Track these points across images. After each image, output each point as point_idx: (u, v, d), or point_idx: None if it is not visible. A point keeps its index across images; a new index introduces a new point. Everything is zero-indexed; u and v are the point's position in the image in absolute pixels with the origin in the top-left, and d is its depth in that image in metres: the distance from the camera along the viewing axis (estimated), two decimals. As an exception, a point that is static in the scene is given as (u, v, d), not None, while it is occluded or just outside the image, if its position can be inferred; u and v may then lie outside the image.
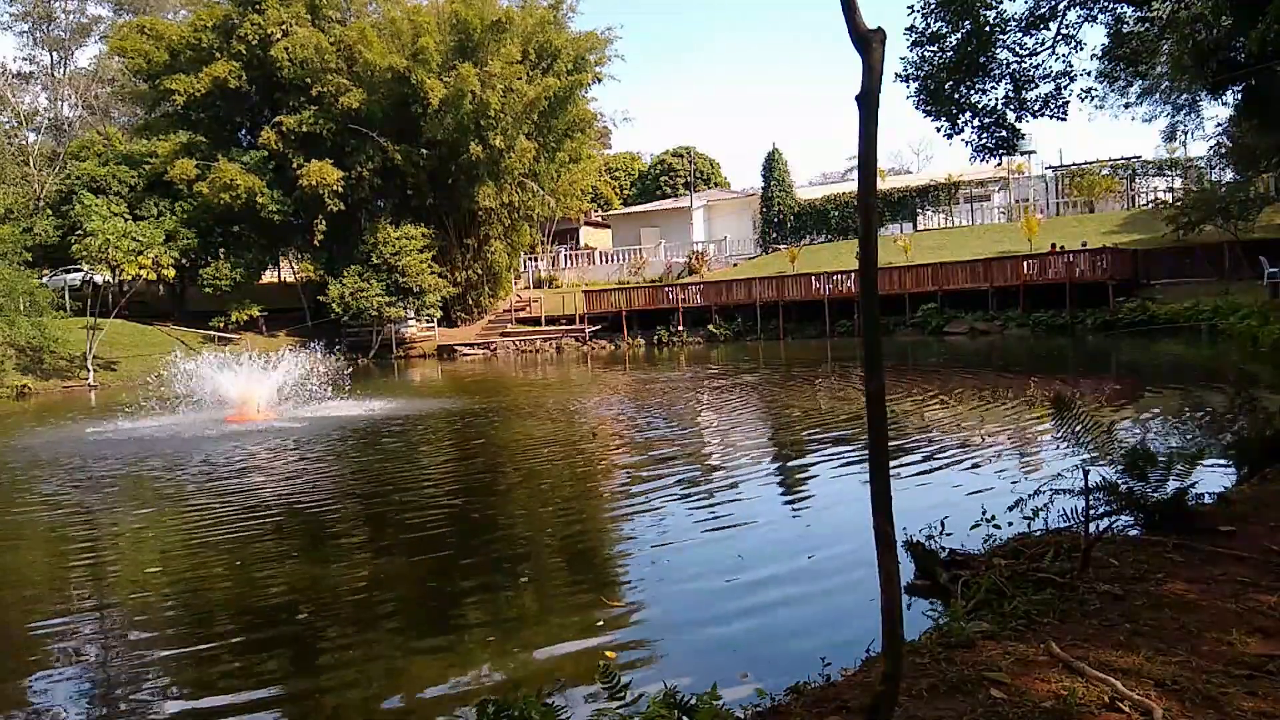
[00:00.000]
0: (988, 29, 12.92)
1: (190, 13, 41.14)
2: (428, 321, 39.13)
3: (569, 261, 45.72)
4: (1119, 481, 4.98)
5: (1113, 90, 21.12)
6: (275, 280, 47.97)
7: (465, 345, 37.06)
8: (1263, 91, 14.64)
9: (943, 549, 5.18)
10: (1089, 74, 15.34)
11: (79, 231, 32.22)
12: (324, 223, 36.44)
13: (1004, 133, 13.40)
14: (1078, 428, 5.10)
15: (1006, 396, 14.51)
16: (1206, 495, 5.46)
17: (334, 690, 4.41)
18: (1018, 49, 13.26)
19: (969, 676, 3.31)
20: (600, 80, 40.66)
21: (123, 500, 9.61)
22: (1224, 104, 20.85)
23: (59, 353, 30.33)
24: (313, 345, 31.07)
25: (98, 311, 32.93)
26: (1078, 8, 13.46)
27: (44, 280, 34.54)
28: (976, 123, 13.42)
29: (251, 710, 4.24)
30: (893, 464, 7.61)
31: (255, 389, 16.60)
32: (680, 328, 34.90)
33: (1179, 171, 37.56)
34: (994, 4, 12.94)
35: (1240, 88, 15.14)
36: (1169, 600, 4.03)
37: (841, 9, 2.63)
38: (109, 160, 38.23)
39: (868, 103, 2.63)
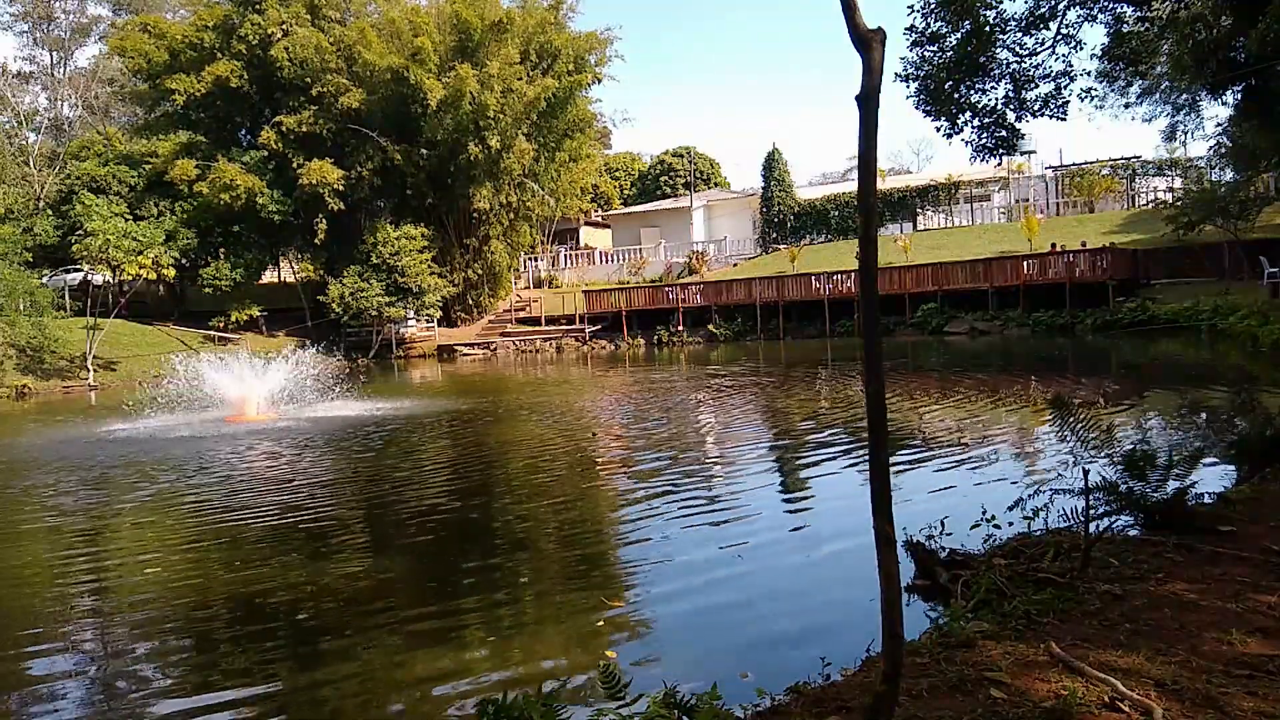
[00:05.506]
0: (988, 29, 12.91)
1: (190, 12, 41.14)
2: (427, 321, 39.12)
3: (569, 261, 45.71)
4: (1119, 481, 4.98)
5: (1113, 90, 21.11)
6: (275, 280, 47.96)
7: (465, 345, 37.06)
8: (1263, 91, 14.64)
9: (943, 549, 5.18)
10: (1089, 74, 15.32)
11: (79, 231, 32.22)
12: (324, 222, 36.45)
13: (1004, 133, 13.38)
14: (1077, 428, 5.10)
15: (1006, 396, 14.51)
16: (1206, 495, 5.46)
17: (334, 690, 4.41)
18: (1018, 49, 13.24)
19: (969, 676, 3.31)
20: (600, 81, 40.70)
21: (122, 499, 9.60)
22: (1224, 104, 20.85)
23: (59, 353, 30.32)
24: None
25: (98, 311, 32.93)
26: (1078, 8, 13.44)
27: (44, 280, 34.53)
28: (976, 123, 13.40)
29: (251, 710, 4.24)
30: (893, 464, 7.60)
31: (254, 389, 16.61)
32: (680, 328, 34.90)
33: (1179, 171, 37.55)
34: (994, 4, 12.93)
35: (1240, 88, 15.13)
36: (1169, 600, 4.03)
37: (841, 9, 2.63)
38: (109, 160, 38.22)
39: (868, 103, 2.63)
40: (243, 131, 41.49)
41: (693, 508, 7.78)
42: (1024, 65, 13.24)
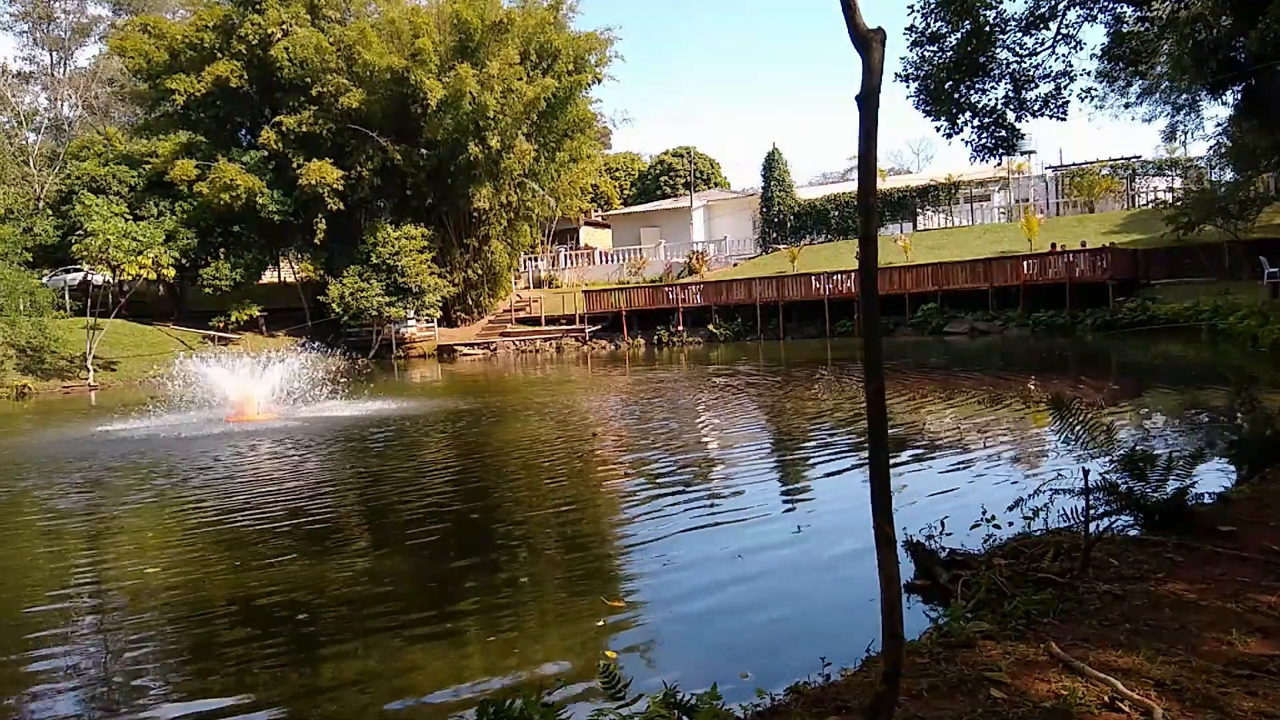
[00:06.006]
0: (988, 29, 12.92)
1: (190, 12, 41.16)
2: (427, 321, 39.12)
3: (569, 261, 45.71)
4: (1119, 481, 4.98)
5: (1113, 90, 21.17)
6: (275, 280, 47.96)
7: (465, 345, 37.06)
8: (1263, 91, 14.65)
9: (943, 549, 5.18)
10: (1089, 74, 15.35)
11: (79, 231, 32.22)
12: (324, 222, 36.45)
13: (1004, 133, 13.39)
14: (1077, 428, 5.09)
15: (1006, 397, 14.51)
16: (1206, 495, 5.45)
17: (333, 691, 4.40)
18: (1017, 49, 13.25)
19: (969, 676, 3.31)
20: (600, 81, 40.71)
21: (122, 499, 9.60)
22: (1224, 104, 20.89)
23: (59, 353, 30.34)
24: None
25: (98, 311, 32.93)
26: (1078, 8, 13.45)
27: (44, 280, 34.52)
28: (976, 123, 13.41)
29: (250, 711, 4.24)
30: (893, 464, 7.61)
31: (255, 388, 16.60)
32: (680, 328, 34.90)
33: (1179, 171, 37.54)
34: (994, 4, 12.94)
35: (1240, 88, 15.15)
36: (1169, 600, 4.02)
37: (841, 9, 2.64)
38: (109, 160, 38.21)
39: (868, 103, 2.63)
40: (243, 131, 41.50)
41: (693, 508, 7.78)
42: (1024, 65, 13.25)
